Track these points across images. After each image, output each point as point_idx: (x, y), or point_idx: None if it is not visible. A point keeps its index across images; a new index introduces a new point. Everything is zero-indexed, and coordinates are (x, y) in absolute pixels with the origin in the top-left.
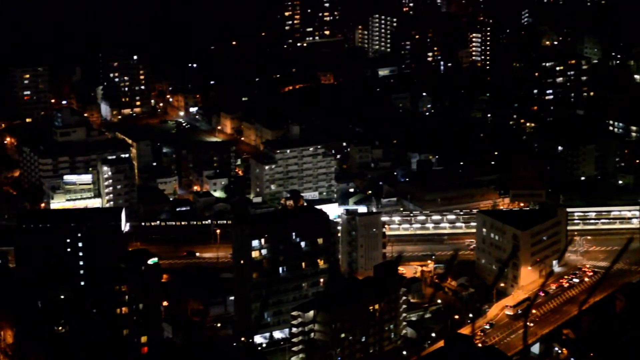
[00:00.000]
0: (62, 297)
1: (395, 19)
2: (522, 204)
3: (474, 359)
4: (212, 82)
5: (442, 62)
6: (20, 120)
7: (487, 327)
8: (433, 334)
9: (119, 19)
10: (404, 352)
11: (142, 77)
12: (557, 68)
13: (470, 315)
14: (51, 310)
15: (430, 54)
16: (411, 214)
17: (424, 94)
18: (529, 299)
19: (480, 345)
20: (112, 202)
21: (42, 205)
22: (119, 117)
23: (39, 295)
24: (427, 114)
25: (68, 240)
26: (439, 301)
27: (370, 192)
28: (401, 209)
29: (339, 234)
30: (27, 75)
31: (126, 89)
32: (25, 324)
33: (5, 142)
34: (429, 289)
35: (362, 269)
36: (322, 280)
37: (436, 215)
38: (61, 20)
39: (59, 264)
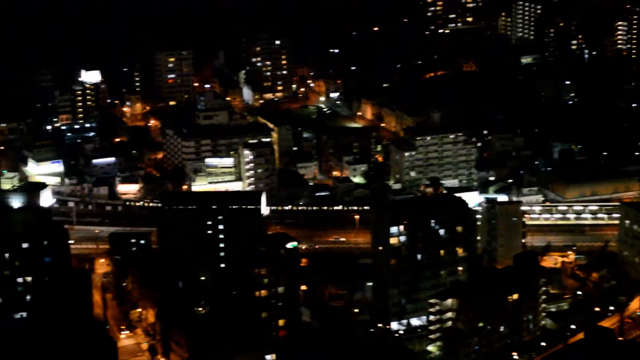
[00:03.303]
0: (203, 278)
1: (539, 6)
2: None
3: (614, 352)
4: (353, 68)
5: (586, 51)
6: (164, 103)
7: None
8: (573, 326)
9: (263, 4)
10: (543, 344)
11: (284, 62)
12: None
13: (612, 307)
14: (192, 291)
15: (574, 41)
16: (552, 204)
17: (568, 82)
18: None
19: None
20: (252, 186)
21: (184, 187)
22: (261, 101)
23: (180, 276)
24: (570, 102)
25: (209, 223)
26: (580, 293)
27: (510, 180)
28: (542, 198)
29: (479, 223)
30: (172, 59)
31: (268, 73)
32: (167, 304)
33: (150, 124)
34: (569, 280)
35: (501, 258)
36: (460, 268)
37: (578, 206)
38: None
39: (200, 246)
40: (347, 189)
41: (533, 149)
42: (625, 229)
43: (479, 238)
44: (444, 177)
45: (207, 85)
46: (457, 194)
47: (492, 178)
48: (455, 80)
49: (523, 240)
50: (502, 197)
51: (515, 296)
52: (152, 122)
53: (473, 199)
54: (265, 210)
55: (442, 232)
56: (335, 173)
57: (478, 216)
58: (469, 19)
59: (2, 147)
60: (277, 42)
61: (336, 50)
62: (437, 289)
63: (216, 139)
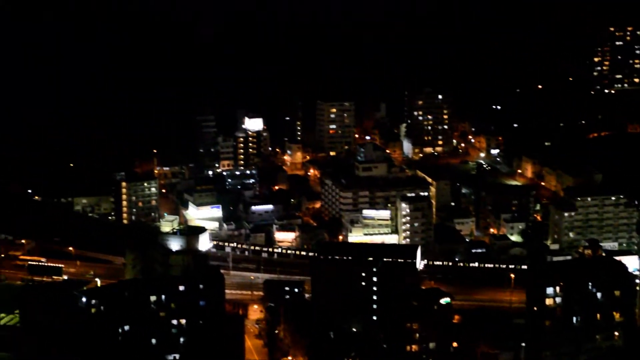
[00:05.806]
0: (354, 329)
1: None
2: None
3: None
4: (515, 125)
5: None
6: (324, 153)
7: None
8: None
9: (427, 60)
10: None
11: (445, 116)
12: None
13: None
14: (343, 342)
15: None
16: None
17: None
18: None
19: None
20: (408, 239)
21: (341, 237)
22: (421, 155)
23: (331, 327)
24: None
25: (363, 274)
26: None
27: None
28: None
29: (638, 288)
30: (334, 110)
31: (429, 127)
32: (317, 354)
33: (309, 173)
34: None
35: None
36: (617, 333)
37: None
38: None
39: (353, 297)
40: (504, 247)
41: None
42: None
43: (637, 303)
44: (604, 240)
45: (368, 137)
46: (617, 258)
47: None
48: (619, 141)
49: None
50: None
51: None
52: (312, 172)
53: (633, 264)
54: (420, 264)
55: (599, 295)
56: (492, 230)
57: (638, 281)
58: (636, 80)
59: (164, 190)
60: (440, 96)
61: (498, 107)
62: (592, 352)
63: (374, 191)
